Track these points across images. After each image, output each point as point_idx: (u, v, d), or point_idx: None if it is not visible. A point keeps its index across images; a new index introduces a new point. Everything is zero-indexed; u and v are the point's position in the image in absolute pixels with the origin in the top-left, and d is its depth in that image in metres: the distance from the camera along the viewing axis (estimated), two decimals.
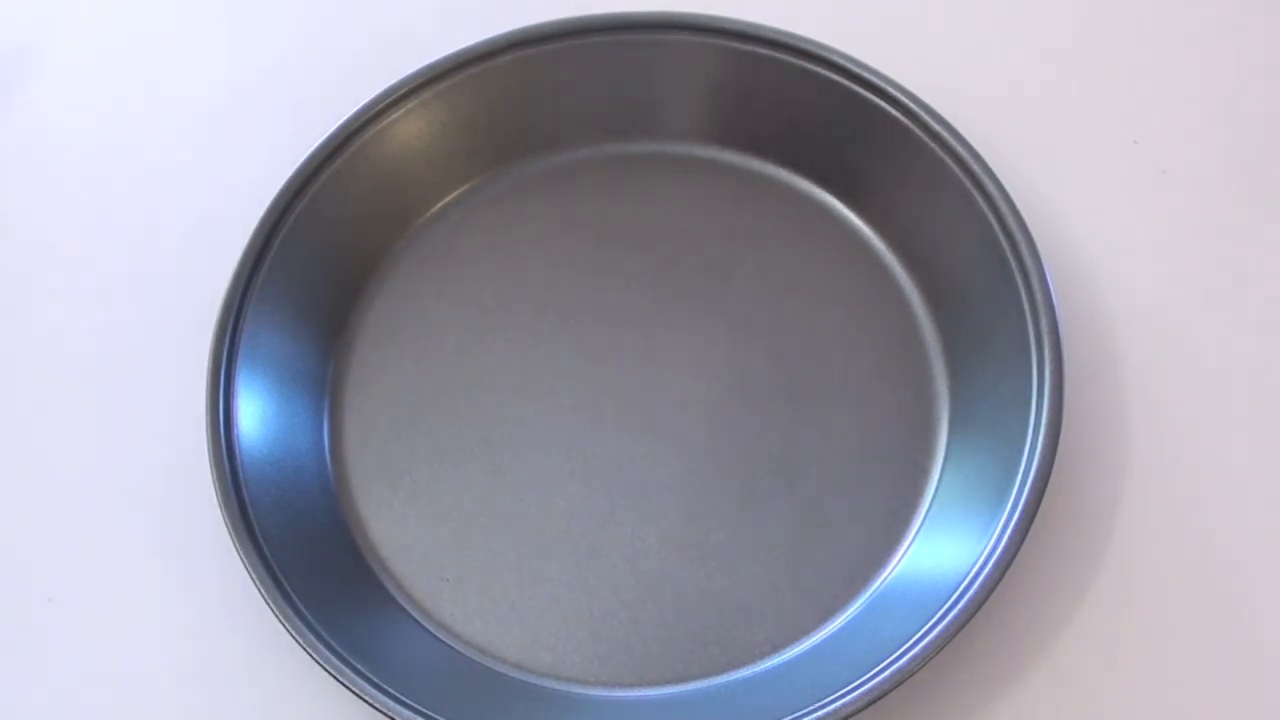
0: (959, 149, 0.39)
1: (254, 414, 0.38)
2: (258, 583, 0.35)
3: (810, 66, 0.41)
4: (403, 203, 0.43)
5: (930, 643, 0.33)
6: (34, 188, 0.45)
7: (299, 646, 0.34)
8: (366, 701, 0.33)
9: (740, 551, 0.38)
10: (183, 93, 0.47)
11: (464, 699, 0.35)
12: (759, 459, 0.39)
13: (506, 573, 0.38)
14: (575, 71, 0.43)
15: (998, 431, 0.37)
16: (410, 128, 0.42)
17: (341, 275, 0.42)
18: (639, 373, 0.40)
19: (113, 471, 0.40)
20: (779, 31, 0.42)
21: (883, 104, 0.41)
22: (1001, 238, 0.38)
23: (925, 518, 0.37)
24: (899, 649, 0.33)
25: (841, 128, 0.42)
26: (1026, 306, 0.37)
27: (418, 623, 0.37)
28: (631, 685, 0.36)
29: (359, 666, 0.34)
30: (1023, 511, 0.34)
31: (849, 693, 0.33)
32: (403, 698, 0.33)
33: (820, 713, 0.33)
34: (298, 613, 0.34)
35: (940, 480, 0.38)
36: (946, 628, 0.33)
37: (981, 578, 0.34)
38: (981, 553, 0.34)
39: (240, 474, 0.37)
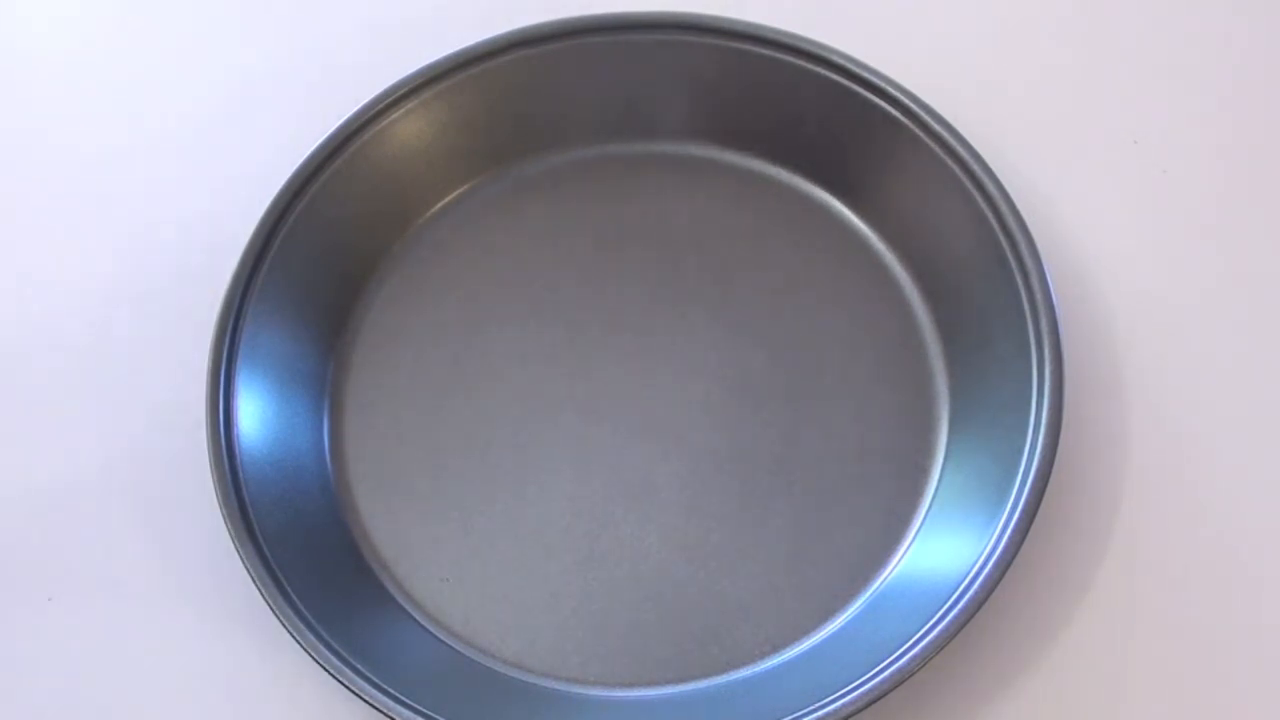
0: (959, 149, 0.39)
1: (254, 414, 0.38)
2: (258, 583, 0.35)
3: (810, 66, 0.41)
4: (403, 203, 0.43)
5: (930, 643, 0.33)
6: (34, 188, 0.45)
7: (299, 646, 0.34)
8: (366, 701, 0.33)
9: (740, 551, 0.38)
10: (183, 92, 0.47)
11: (464, 699, 0.35)
12: (759, 459, 0.39)
13: (506, 573, 0.38)
14: (575, 71, 0.43)
15: (998, 431, 0.37)
16: (410, 128, 0.42)
17: (341, 275, 0.42)
18: (639, 372, 0.40)
19: (113, 471, 0.40)
20: (779, 31, 0.42)
21: (882, 104, 0.41)
22: (1001, 238, 0.38)
23: (925, 518, 0.37)
24: (899, 649, 0.33)
25: (841, 128, 0.42)
26: (1026, 306, 0.37)
27: (418, 623, 0.37)
28: (631, 685, 0.36)
29: (359, 666, 0.34)
30: (1023, 511, 0.34)
31: (849, 693, 0.33)
32: (403, 698, 0.33)
33: (820, 713, 0.33)
34: (298, 613, 0.34)
35: (940, 480, 0.38)
36: (946, 628, 0.33)
37: (981, 578, 0.34)
38: (981, 553, 0.34)
39: (240, 474, 0.37)
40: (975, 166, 0.39)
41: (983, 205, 0.39)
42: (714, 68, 0.42)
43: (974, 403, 0.38)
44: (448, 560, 0.38)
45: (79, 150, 0.46)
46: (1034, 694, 0.36)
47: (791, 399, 0.40)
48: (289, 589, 0.35)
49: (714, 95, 0.43)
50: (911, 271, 0.41)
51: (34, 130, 0.47)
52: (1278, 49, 0.46)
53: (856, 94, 0.41)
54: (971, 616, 0.33)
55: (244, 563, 0.35)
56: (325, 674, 0.34)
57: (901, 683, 0.33)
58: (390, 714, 0.33)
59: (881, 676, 0.33)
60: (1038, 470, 0.35)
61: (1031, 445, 0.35)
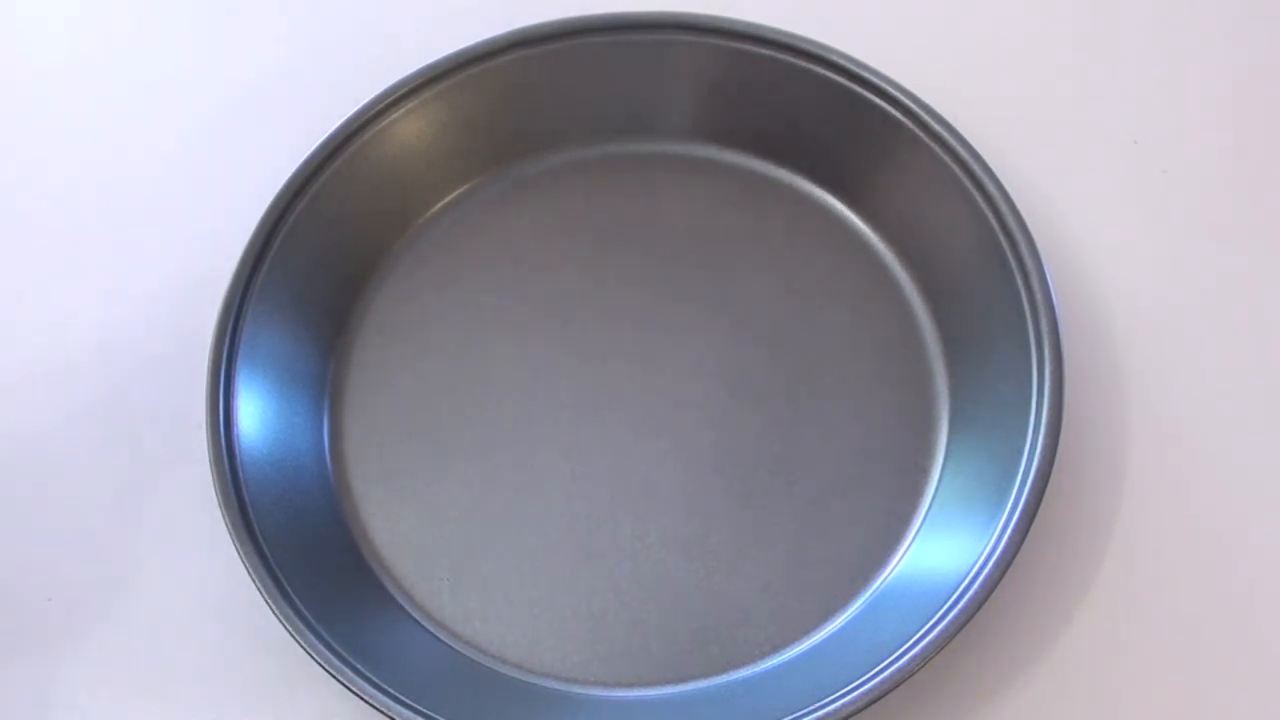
0: (959, 149, 0.39)
1: (254, 414, 0.38)
2: (258, 583, 0.35)
3: (810, 66, 0.41)
4: (403, 203, 0.43)
5: (930, 643, 0.33)
6: (34, 188, 0.45)
7: (299, 646, 0.34)
8: (366, 701, 0.33)
9: (740, 551, 0.38)
10: (183, 92, 0.47)
11: (464, 699, 0.35)
12: (759, 459, 0.39)
13: (506, 573, 0.38)
14: (575, 71, 0.43)
15: (998, 431, 0.37)
16: (410, 128, 0.42)
17: (341, 275, 0.42)
18: (639, 372, 0.40)
19: (113, 471, 0.40)
20: (779, 31, 0.42)
21: (882, 104, 0.41)
22: (1001, 237, 0.38)
23: (925, 518, 0.37)
24: (899, 649, 0.33)
25: (841, 127, 0.42)
26: (1026, 306, 0.37)
27: (418, 623, 0.37)
28: (631, 685, 0.36)
29: (359, 666, 0.34)
30: (1023, 511, 0.34)
31: (849, 693, 0.33)
32: (403, 698, 0.33)
33: (820, 713, 0.33)
34: (298, 613, 0.34)
35: (940, 480, 0.38)
36: (946, 628, 0.33)
37: (981, 578, 0.34)
38: (981, 553, 0.34)
39: (240, 474, 0.37)
40: (975, 166, 0.39)
41: (983, 205, 0.39)
42: (714, 68, 0.42)
43: (974, 403, 0.38)
44: (447, 560, 0.38)
45: (79, 151, 0.46)
46: (1034, 694, 0.36)
47: (791, 399, 0.40)
48: (289, 589, 0.35)
49: (714, 95, 0.43)
50: (911, 271, 0.41)
51: (34, 130, 0.47)
52: (1278, 49, 0.46)
53: (856, 94, 0.41)
54: (971, 616, 0.33)
55: (244, 563, 0.35)
56: (325, 674, 0.34)
57: (901, 683, 0.33)
58: (390, 714, 0.33)
59: (881, 676, 0.33)
60: (1038, 470, 0.35)
61: (1031, 445, 0.35)
